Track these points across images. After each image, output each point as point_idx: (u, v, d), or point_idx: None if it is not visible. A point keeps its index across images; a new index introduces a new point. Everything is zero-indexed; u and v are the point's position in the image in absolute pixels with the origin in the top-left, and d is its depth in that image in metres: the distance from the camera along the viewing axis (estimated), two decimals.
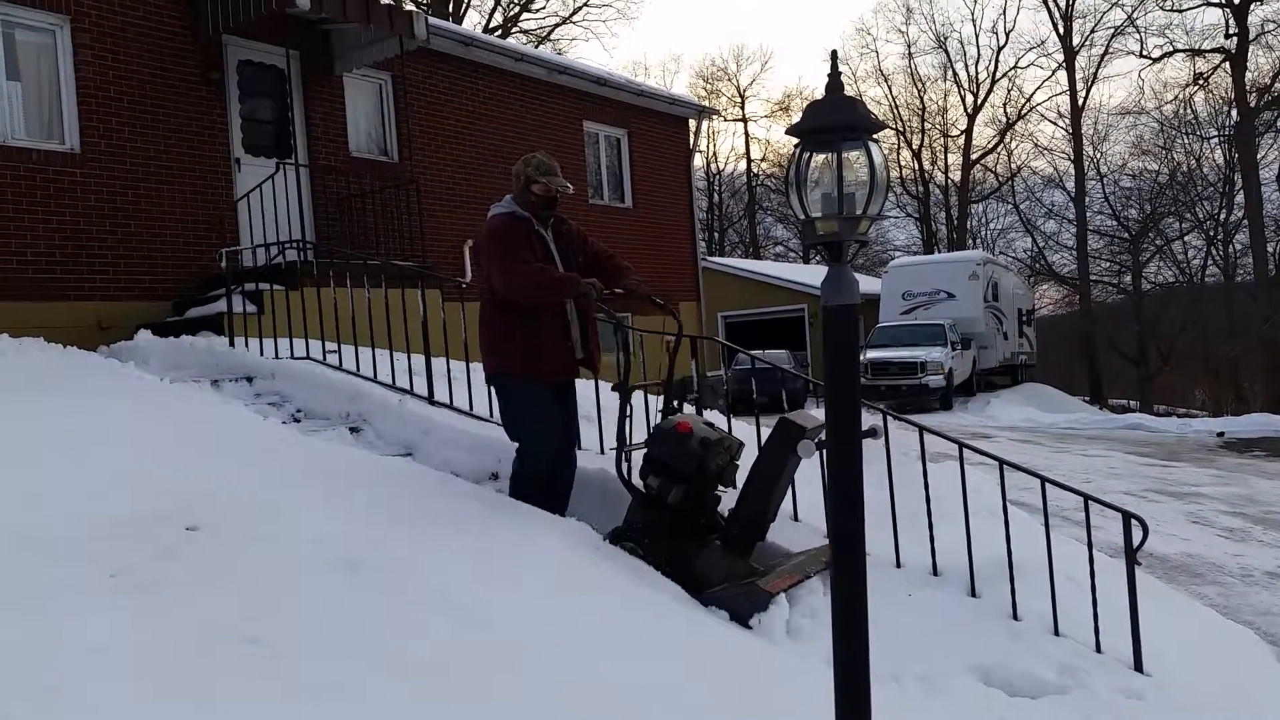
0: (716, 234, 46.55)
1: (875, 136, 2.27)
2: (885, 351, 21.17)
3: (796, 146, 2.30)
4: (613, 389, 4.52)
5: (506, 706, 2.51)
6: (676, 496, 4.15)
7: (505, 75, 12.21)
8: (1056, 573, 4.11)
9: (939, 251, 37.81)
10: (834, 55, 2.30)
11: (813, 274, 33.20)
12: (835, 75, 2.27)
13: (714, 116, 20.05)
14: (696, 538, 4.24)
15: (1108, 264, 35.86)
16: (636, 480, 4.34)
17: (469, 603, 3.08)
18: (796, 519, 4.90)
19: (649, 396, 5.13)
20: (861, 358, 21.53)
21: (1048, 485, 4.18)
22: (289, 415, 5.84)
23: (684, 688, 2.85)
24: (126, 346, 7.15)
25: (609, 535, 4.25)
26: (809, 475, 4.74)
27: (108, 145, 8.33)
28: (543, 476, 4.58)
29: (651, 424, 4.65)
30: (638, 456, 4.43)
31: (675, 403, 4.58)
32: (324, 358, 6.38)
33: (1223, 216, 32.65)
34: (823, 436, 4.03)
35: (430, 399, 5.93)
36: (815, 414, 4.29)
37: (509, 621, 3.02)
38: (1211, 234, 33.02)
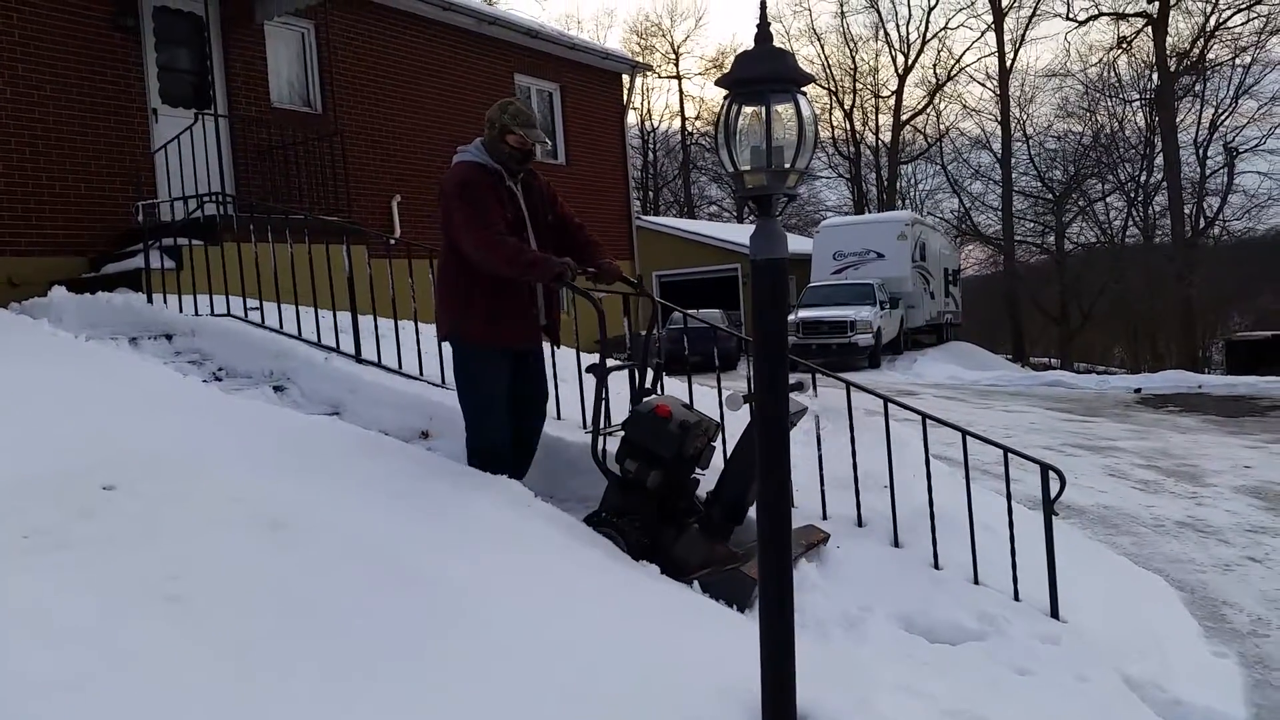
0: (651, 193, 46.43)
1: (804, 89, 2.26)
2: (816, 310, 21.41)
3: (725, 98, 2.28)
4: (588, 370, 4.31)
5: (436, 661, 2.50)
6: (655, 480, 4.01)
7: (433, 25, 11.94)
8: (978, 524, 4.22)
9: (870, 212, 38.20)
10: (763, 4, 2.28)
11: (746, 233, 33.08)
12: (764, 26, 2.25)
13: (648, 72, 19.95)
14: (675, 522, 4.12)
15: (1032, 224, 36.66)
16: (614, 464, 4.18)
17: (396, 560, 3.04)
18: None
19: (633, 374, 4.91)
20: (793, 317, 21.81)
21: (969, 439, 4.28)
22: (210, 374, 5.70)
23: (613, 634, 2.87)
24: (39, 303, 6.88)
25: (587, 519, 4.10)
26: (804, 455, 4.58)
27: (13, 93, 7.96)
28: (498, 452, 4.32)
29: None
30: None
31: (645, 379, 4.41)
32: (245, 315, 6.23)
33: (1143, 178, 33.54)
34: (795, 417, 4.04)
35: (357, 357, 5.82)
36: (801, 398, 4.23)
37: (437, 578, 3.00)
38: (1132, 195, 33.92)
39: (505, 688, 2.45)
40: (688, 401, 4.49)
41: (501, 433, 4.35)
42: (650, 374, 4.43)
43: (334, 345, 5.90)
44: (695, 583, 3.78)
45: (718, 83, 2.29)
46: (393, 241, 7.21)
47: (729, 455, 4.10)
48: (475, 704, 2.34)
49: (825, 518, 4.49)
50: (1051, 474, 4.02)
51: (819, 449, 4.49)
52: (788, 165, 2.24)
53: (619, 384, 4.54)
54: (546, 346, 4.69)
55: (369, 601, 2.69)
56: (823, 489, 4.49)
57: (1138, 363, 30.42)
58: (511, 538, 3.53)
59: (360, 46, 11.05)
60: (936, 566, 4.17)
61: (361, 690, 2.29)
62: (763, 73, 2.21)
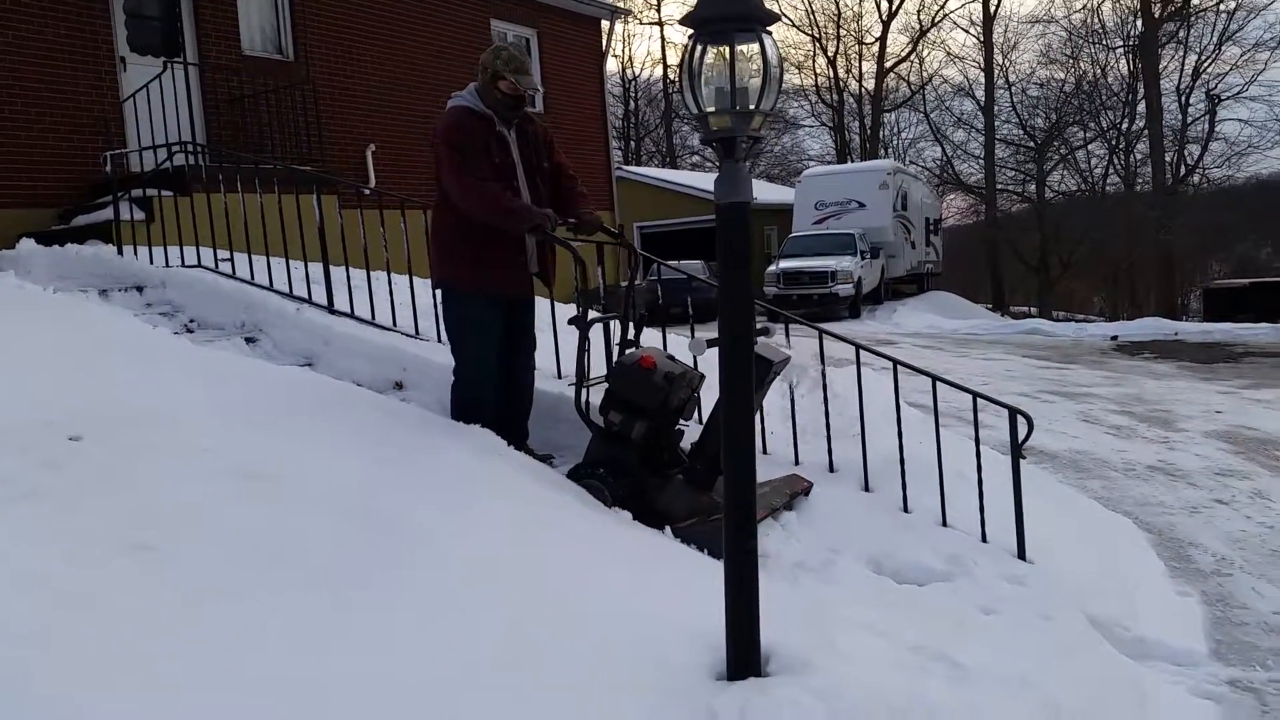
0: (633, 142, 45.98)
1: (770, 28, 2.23)
2: (797, 261, 21.37)
3: (689, 38, 2.25)
4: (569, 322, 4.28)
5: (402, 600, 2.52)
6: (640, 432, 3.99)
7: None
8: (948, 469, 4.27)
9: (853, 161, 38.03)
10: None
11: None
12: None
13: (627, 18, 19.66)
14: (659, 474, 4.10)
15: (1013, 173, 36.62)
16: (596, 416, 4.16)
17: (367, 507, 3.05)
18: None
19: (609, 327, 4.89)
20: (774, 268, 21.79)
21: (939, 385, 4.30)
22: (181, 325, 5.66)
23: (580, 576, 2.90)
24: (7, 255, 6.79)
25: (570, 472, 4.09)
26: (779, 405, 4.66)
27: None
28: (483, 403, 4.32)
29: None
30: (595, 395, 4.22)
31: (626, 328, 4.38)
32: (216, 266, 6.17)
33: (1125, 126, 33.49)
34: (780, 366, 4.03)
35: (330, 308, 5.78)
36: (781, 346, 4.23)
37: (407, 523, 3.01)
38: (1114, 143, 33.88)
39: (466, 624, 2.49)
40: (670, 354, 4.47)
41: (488, 384, 4.35)
42: (632, 326, 4.40)
43: (306, 296, 5.86)
44: (679, 532, 3.78)
45: (682, 21, 2.26)
46: (367, 191, 7.13)
47: (714, 406, 4.09)
48: (437, 639, 2.37)
49: (798, 463, 4.52)
50: (1020, 418, 4.05)
51: (791, 397, 4.51)
52: (753, 106, 2.22)
53: (593, 334, 4.54)
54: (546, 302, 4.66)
55: (337, 546, 2.71)
56: (795, 436, 4.51)
57: (1117, 311, 30.63)
58: (481, 484, 3.54)
59: None
60: (906, 510, 4.22)
61: (331, 628, 2.31)
62: (727, 11, 2.18)
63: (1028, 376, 11.63)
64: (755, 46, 2.17)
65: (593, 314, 4.18)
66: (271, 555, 2.62)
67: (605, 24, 15.47)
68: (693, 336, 4.87)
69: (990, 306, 30.68)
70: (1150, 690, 3.33)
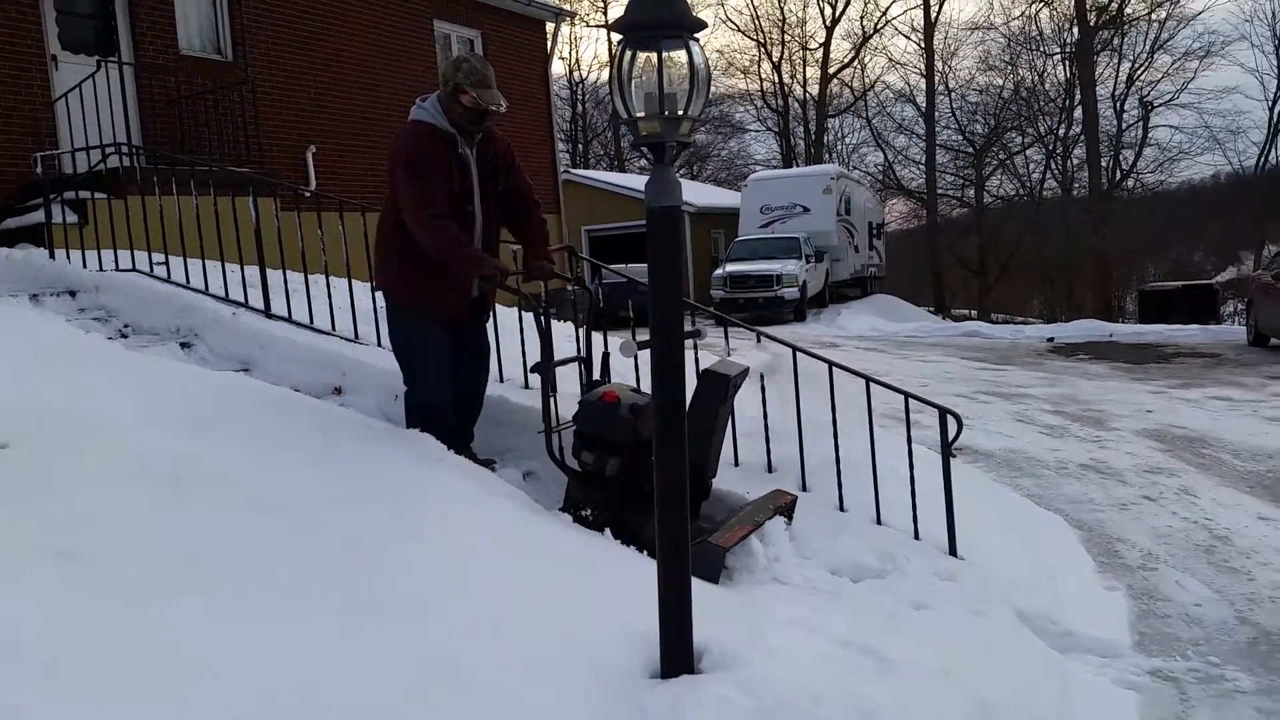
0: (580, 145, 45.96)
1: (697, 35, 2.27)
2: (743, 265, 21.58)
3: (619, 43, 2.28)
4: (532, 369, 4.21)
5: (331, 604, 2.51)
6: (614, 468, 3.94)
7: None
8: (885, 468, 4.34)
9: (798, 166, 38.41)
10: None
11: None
12: None
13: (573, 20, 19.66)
14: (640, 506, 3.97)
15: (952, 178, 37.28)
16: (571, 461, 4.14)
17: (299, 513, 3.04)
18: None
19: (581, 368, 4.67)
20: (720, 271, 21.97)
21: (875, 386, 4.38)
22: (115, 330, 5.55)
23: (515, 578, 2.91)
24: None
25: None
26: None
27: None
28: (434, 411, 4.28)
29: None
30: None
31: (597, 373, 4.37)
32: (151, 270, 6.06)
33: (1061, 131, 34.26)
34: (739, 379, 4.05)
35: (267, 312, 5.71)
36: (737, 360, 4.26)
37: (339, 528, 3.00)
38: (1051, 148, 34.66)
39: (401, 627, 2.48)
40: (635, 386, 4.45)
41: (437, 391, 4.31)
42: (598, 365, 4.36)
43: (243, 300, 5.78)
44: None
45: (611, 26, 2.29)
46: (307, 194, 7.06)
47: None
48: (370, 642, 2.36)
49: (737, 464, 4.58)
50: (949, 417, 4.14)
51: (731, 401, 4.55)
52: (681, 112, 2.26)
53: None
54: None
55: (266, 551, 2.69)
56: (734, 437, 4.56)
57: (1054, 313, 31.27)
58: (420, 490, 3.52)
59: None
60: (841, 509, 4.29)
61: (258, 634, 2.30)
62: (655, 19, 2.21)
63: (965, 378, 11.85)
64: (683, 54, 2.21)
65: (556, 357, 4.14)
66: (194, 559, 2.59)
67: (550, 26, 15.47)
68: (634, 339, 4.90)
69: (932, 310, 31.18)
70: (1075, 681, 3.43)
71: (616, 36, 2.28)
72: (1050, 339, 16.82)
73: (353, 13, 11.67)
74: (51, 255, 6.49)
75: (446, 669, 2.34)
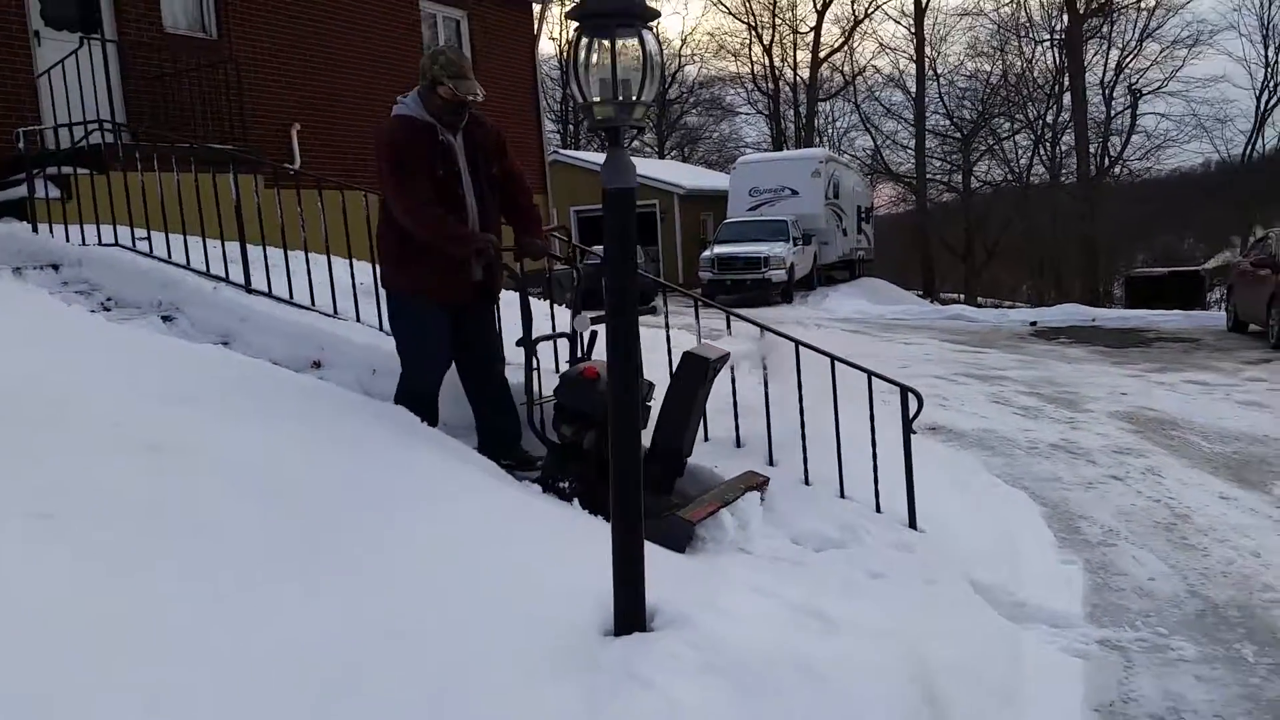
0: (571, 125, 45.85)
1: (650, 24, 2.36)
2: (731, 247, 21.67)
3: (576, 31, 2.37)
4: (516, 344, 4.31)
5: (297, 563, 2.61)
6: (591, 441, 4.05)
7: None
8: (850, 444, 4.45)
9: (788, 149, 38.42)
10: None
11: (666, 169, 33.24)
12: None
13: (562, 1, 19.64)
14: None
15: (940, 163, 37.37)
16: (551, 433, 4.24)
17: (274, 478, 3.13)
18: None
19: (556, 345, 4.87)
20: (708, 253, 22.06)
21: (843, 365, 4.49)
22: (98, 304, 5.63)
23: (482, 542, 3.01)
24: None
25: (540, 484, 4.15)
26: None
27: None
28: (422, 397, 4.39)
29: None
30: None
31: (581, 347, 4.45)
32: (134, 244, 6.14)
33: (1050, 118, 34.36)
34: (719, 364, 4.16)
35: (247, 287, 5.79)
36: (717, 345, 4.38)
37: (314, 495, 3.10)
38: (1039, 134, 34.75)
39: (370, 588, 2.59)
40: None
41: (429, 379, 4.44)
42: (585, 341, 4.45)
43: (223, 275, 5.86)
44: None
45: (568, 15, 2.38)
46: (291, 171, 7.12)
47: (659, 409, 4.16)
48: (341, 603, 2.47)
49: (707, 439, 4.69)
50: (910, 395, 4.25)
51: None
52: (635, 97, 2.35)
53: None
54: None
55: (242, 516, 2.78)
56: (705, 414, 4.67)
57: (1042, 298, 31.46)
58: (392, 459, 3.63)
59: None
60: (806, 482, 4.41)
61: (231, 595, 2.40)
62: (609, 8, 2.30)
63: (945, 360, 11.99)
64: (635, 42, 2.30)
65: (538, 334, 4.25)
66: (169, 521, 2.68)
67: (537, 6, 15.48)
68: (657, 310, 4.90)
69: (921, 293, 31.32)
70: (1025, 649, 3.56)
71: (573, 24, 2.37)
72: (1033, 323, 16.95)
73: None
74: (35, 229, 6.56)
75: (414, 631, 2.45)
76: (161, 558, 2.51)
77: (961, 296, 32.33)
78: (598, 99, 2.36)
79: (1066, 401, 8.99)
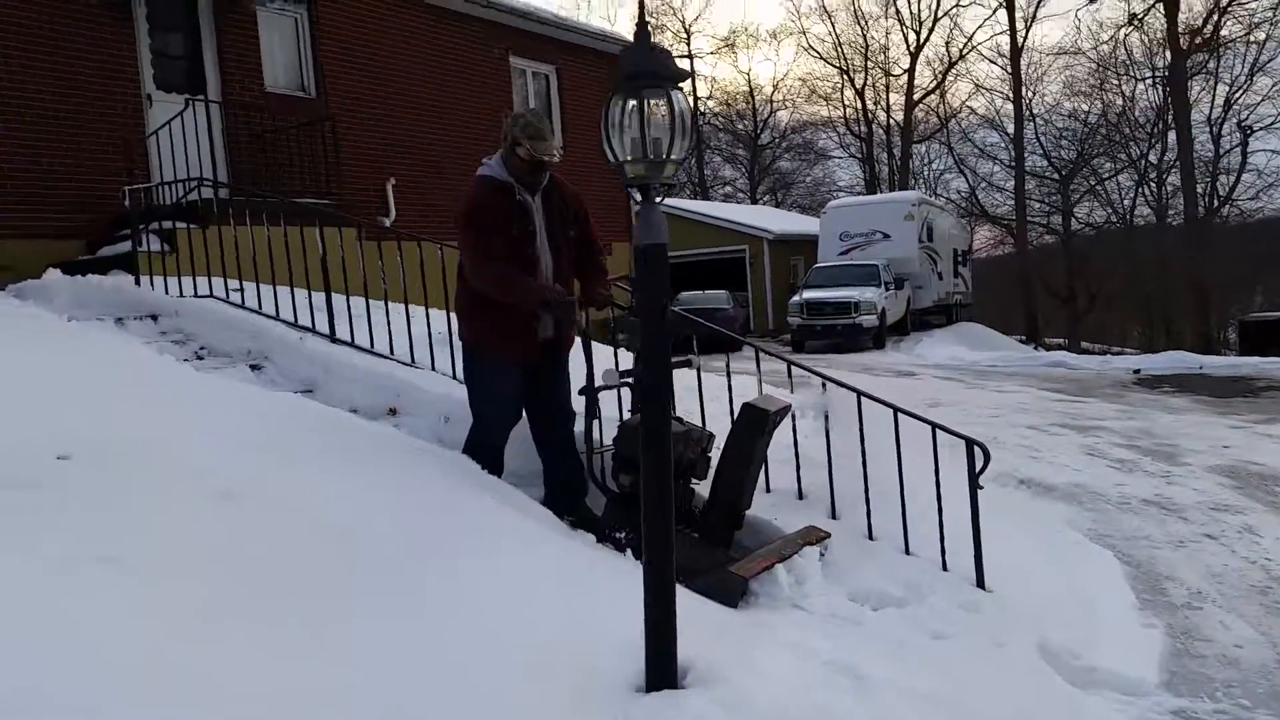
0: None
1: (679, 85, 2.41)
2: (821, 292, 21.49)
3: (609, 93, 2.43)
4: (579, 392, 4.37)
5: (360, 608, 2.68)
6: None
7: (426, 7, 12.10)
8: (916, 498, 4.36)
9: (882, 191, 38.10)
10: (640, 2, 2.42)
11: (756, 215, 33.34)
12: (642, 23, 2.41)
13: None
14: (676, 533, 4.13)
15: (1039, 204, 36.50)
16: (611, 483, 4.29)
17: (340, 525, 3.24)
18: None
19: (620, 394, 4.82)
20: (797, 298, 21.93)
21: (900, 416, 4.41)
22: (191, 353, 5.91)
23: (529, 592, 3.05)
24: (32, 285, 7.10)
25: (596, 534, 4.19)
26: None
27: (9, 79, 8.17)
28: (489, 449, 4.51)
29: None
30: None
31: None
32: (227, 295, 6.43)
33: (1154, 158, 33.32)
34: (779, 416, 4.15)
35: (332, 336, 6.01)
36: (777, 397, 4.38)
37: (374, 541, 3.18)
38: (1142, 174, 33.70)
39: (424, 633, 2.64)
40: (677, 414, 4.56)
41: (496, 434, 4.56)
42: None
43: (310, 325, 6.09)
44: (693, 588, 3.70)
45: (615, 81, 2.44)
46: (387, 223, 7.39)
47: (719, 461, 4.16)
48: (401, 647, 2.52)
49: (769, 490, 4.65)
50: (976, 449, 4.15)
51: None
52: (665, 156, 2.40)
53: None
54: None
55: (308, 561, 2.88)
56: (766, 465, 4.64)
57: (1152, 344, 30.29)
58: (450, 507, 3.71)
59: (353, 30, 11.21)
60: (870, 538, 4.33)
61: (290, 639, 2.48)
62: (638, 70, 2.36)
63: (1041, 409, 11.60)
64: (664, 102, 2.35)
65: (600, 382, 4.27)
66: (237, 565, 2.80)
67: None
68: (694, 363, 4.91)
69: (1023, 338, 30.48)
70: (1087, 716, 3.40)
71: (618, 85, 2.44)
72: (1137, 371, 16.32)
73: (432, 49, 12.14)
74: (137, 282, 6.94)
75: (457, 671, 2.49)
76: (219, 597, 2.61)
77: (1065, 342, 31.37)
78: (629, 158, 2.41)
79: (1165, 454, 8.61)
